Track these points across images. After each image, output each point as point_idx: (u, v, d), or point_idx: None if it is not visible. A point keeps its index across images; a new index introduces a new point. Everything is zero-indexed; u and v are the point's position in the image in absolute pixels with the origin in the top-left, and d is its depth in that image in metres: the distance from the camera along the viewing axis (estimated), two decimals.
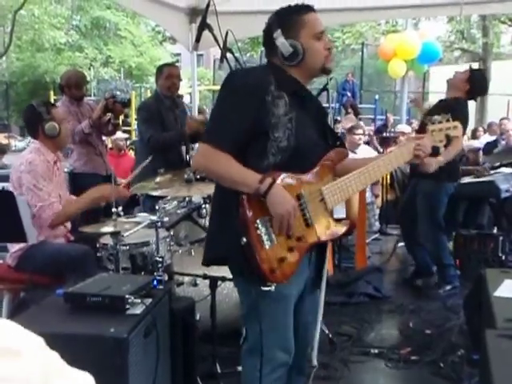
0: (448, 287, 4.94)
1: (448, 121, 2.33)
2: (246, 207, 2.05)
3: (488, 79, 4.88)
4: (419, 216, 4.99)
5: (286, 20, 2.22)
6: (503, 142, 9.18)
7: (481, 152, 7.29)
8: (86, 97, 5.38)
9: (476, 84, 4.72)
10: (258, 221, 2.06)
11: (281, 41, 2.18)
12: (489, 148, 8.32)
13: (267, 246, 2.06)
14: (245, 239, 2.02)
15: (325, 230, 2.23)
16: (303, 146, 2.17)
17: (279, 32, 2.18)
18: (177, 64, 6.90)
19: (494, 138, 9.80)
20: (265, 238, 2.06)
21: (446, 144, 2.32)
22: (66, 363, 0.86)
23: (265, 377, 2.23)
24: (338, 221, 2.30)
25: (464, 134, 4.78)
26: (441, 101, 4.90)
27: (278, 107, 2.12)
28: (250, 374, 2.29)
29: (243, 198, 2.05)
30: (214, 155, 2.08)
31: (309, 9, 2.25)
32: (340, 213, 2.35)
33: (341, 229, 2.30)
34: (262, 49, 2.42)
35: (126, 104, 5.19)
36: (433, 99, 5.27)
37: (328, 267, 4.90)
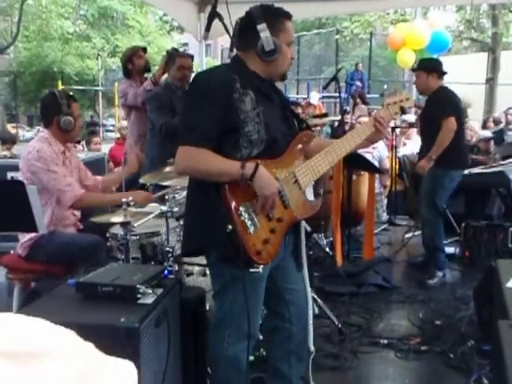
0: (440, 274, 4.90)
1: (401, 94, 2.57)
2: (229, 196, 2.15)
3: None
4: (421, 198, 4.96)
5: (272, 18, 2.28)
6: (510, 133, 9.10)
7: (492, 142, 7.24)
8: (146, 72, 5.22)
9: (427, 66, 4.99)
10: (240, 208, 2.18)
11: (266, 35, 2.24)
12: (496, 138, 8.22)
13: (251, 231, 2.19)
14: (230, 226, 2.13)
15: (300, 209, 2.37)
16: (274, 137, 2.27)
17: (265, 26, 2.24)
18: None
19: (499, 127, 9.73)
20: (248, 223, 2.18)
21: (401, 115, 2.61)
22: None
23: (230, 347, 2.37)
24: (309, 201, 2.46)
25: (459, 120, 4.77)
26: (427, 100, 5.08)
27: (244, 103, 2.21)
28: (217, 346, 2.42)
29: (225, 187, 2.15)
30: (196, 153, 2.18)
31: (290, 16, 2.35)
32: (309, 196, 2.48)
33: (314, 207, 2.45)
34: None
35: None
36: None
37: (337, 258, 4.92)
